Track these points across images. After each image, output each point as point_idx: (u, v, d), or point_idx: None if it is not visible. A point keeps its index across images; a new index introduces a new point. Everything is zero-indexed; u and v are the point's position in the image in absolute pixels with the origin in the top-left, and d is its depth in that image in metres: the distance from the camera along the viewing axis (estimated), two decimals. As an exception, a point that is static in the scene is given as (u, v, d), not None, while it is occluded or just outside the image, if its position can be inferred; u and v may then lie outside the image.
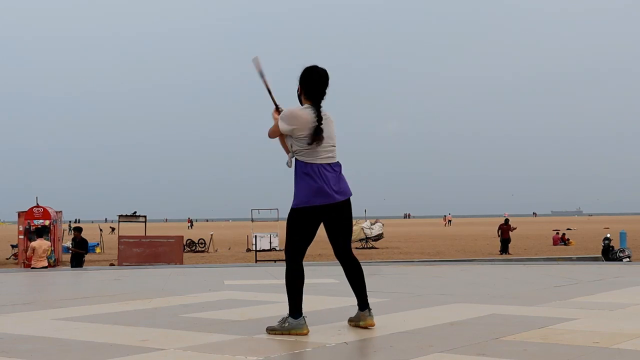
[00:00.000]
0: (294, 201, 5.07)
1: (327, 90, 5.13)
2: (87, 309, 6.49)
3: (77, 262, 18.99)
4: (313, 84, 5.10)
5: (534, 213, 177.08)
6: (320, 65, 5.16)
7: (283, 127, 5.06)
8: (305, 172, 5.02)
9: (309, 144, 4.99)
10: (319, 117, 5.02)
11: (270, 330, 5.04)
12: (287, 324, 4.99)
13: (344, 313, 5.77)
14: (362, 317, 5.20)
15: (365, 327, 5.14)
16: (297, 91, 5.20)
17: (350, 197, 5.17)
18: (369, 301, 5.22)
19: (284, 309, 6.06)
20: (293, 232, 5.09)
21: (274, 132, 5.19)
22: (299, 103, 5.20)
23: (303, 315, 5.02)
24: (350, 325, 5.28)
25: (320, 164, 5.02)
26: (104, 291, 8.34)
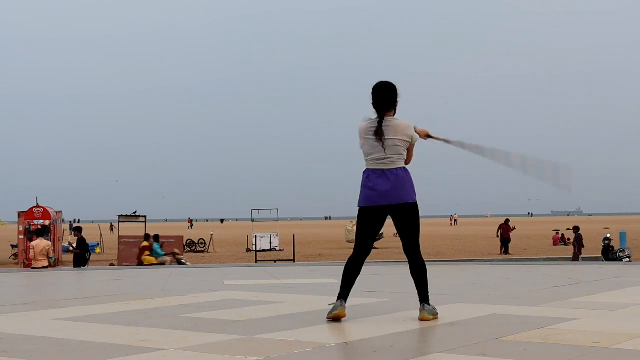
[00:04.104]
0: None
1: (388, 101, 5.59)
2: (87, 309, 6.49)
3: (77, 262, 18.90)
4: (373, 98, 5.60)
5: (529, 213, 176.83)
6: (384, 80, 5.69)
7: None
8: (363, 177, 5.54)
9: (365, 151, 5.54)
10: (377, 127, 5.45)
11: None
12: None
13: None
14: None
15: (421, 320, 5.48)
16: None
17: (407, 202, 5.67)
18: (424, 297, 5.70)
19: (284, 309, 6.08)
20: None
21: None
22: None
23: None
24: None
25: (370, 169, 5.51)
26: (104, 291, 8.33)
